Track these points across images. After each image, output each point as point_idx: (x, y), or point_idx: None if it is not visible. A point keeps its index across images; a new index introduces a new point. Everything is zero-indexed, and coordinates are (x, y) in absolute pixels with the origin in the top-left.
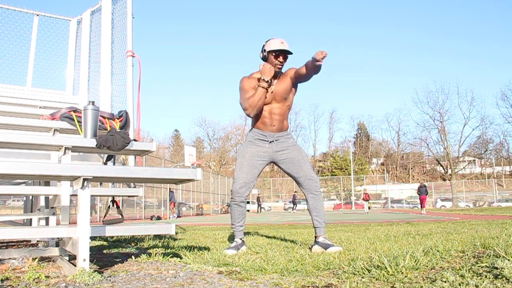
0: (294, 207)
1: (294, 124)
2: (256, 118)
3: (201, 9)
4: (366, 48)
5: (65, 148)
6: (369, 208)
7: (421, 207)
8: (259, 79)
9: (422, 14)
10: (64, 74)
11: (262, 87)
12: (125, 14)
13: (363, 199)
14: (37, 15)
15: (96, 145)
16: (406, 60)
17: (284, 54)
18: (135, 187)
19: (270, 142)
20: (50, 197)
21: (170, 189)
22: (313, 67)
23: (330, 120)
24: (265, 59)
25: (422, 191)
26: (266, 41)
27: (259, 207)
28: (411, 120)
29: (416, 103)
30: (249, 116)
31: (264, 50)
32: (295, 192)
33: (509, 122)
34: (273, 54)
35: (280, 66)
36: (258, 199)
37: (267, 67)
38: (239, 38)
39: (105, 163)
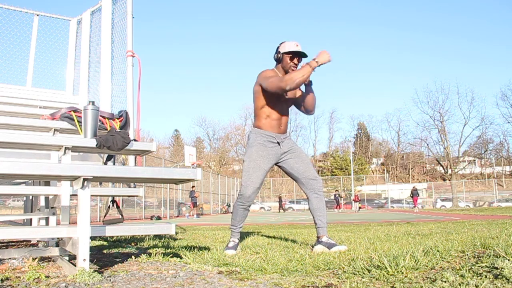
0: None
1: (294, 124)
2: (265, 118)
3: (201, 9)
4: (366, 48)
5: (65, 148)
6: (359, 208)
7: (414, 206)
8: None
9: (422, 14)
10: (64, 74)
11: (311, 66)
12: (125, 14)
13: (354, 200)
14: (37, 15)
15: (96, 145)
16: (406, 60)
17: (299, 56)
18: (135, 187)
19: (280, 143)
20: (50, 197)
21: (192, 187)
22: (309, 99)
23: (330, 120)
24: (279, 60)
25: (415, 193)
26: (281, 43)
27: (281, 207)
28: (411, 120)
29: (416, 103)
30: (283, 90)
31: (279, 51)
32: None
33: (509, 122)
34: (289, 56)
35: (294, 68)
36: (280, 198)
37: (326, 53)
38: (239, 38)
39: (105, 163)
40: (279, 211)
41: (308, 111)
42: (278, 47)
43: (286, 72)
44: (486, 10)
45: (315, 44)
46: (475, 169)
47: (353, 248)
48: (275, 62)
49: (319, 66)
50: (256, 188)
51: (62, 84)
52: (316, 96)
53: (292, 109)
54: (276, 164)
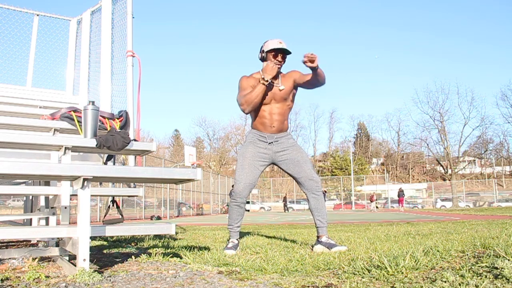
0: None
1: (294, 124)
2: (256, 118)
3: (201, 9)
4: (366, 48)
5: (65, 148)
6: (376, 207)
7: (401, 206)
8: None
9: (422, 14)
10: (64, 74)
11: (262, 83)
12: (125, 14)
13: (370, 199)
14: (37, 15)
15: (96, 145)
16: (406, 60)
17: (282, 53)
18: (135, 187)
19: (270, 143)
20: (50, 197)
21: (233, 186)
22: (316, 80)
23: (330, 120)
24: (263, 59)
25: (401, 195)
26: (264, 42)
27: (286, 207)
28: (411, 120)
29: (416, 103)
30: (244, 112)
31: (263, 51)
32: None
33: (509, 122)
34: (272, 53)
35: (279, 66)
36: (284, 198)
37: (270, 65)
38: (239, 38)
39: (105, 163)
40: (285, 211)
41: (320, 84)
42: (262, 46)
43: None
44: (486, 10)
45: (315, 44)
46: (475, 169)
47: (353, 248)
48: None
49: (268, 81)
50: (247, 184)
51: (62, 84)
52: (316, 97)
53: (292, 109)
54: (274, 164)
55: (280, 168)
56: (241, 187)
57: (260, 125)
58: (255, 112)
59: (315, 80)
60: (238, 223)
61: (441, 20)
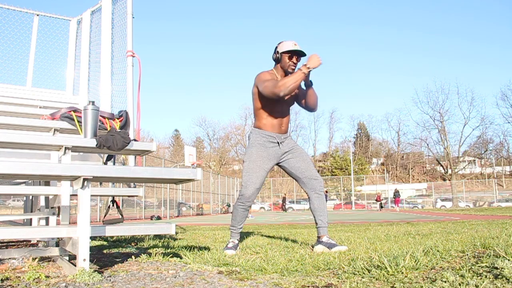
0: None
1: (294, 124)
2: (266, 118)
3: (201, 9)
4: (366, 48)
5: (65, 148)
6: (381, 207)
7: (397, 206)
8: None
9: (422, 14)
10: (64, 74)
11: (303, 72)
12: (125, 14)
13: (376, 199)
14: (37, 15)
15: (96, 145)
16: (406, 60)
17: (297, 55)
18: (135, 187)
19: (280, 143)
20: (50, 197)
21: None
22: (308, 98)
23: (330, 120)
24: (277, 60)
25: (396, 195)
26: (279, 43)
27: (284, 207)
28: (411, 120)
29: (416, 103)
30: (278, 96)
31: (277, 51)
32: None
33: (509, 122)
34: (287, 55)
35: (294, 67)
36: (284, 199)
37: (316, 57)
38: (239, 38)
39: (105, 163)
40: (285, 211)
41: (311, 109)
42: (276, 47)
43: (285, 71)
44: (486, 10)
45: (315, 44)
46: (475, 169)
47: (353, 248)
48: (274, 63)
49: (310, 71)
50: (256, 189)
51: (62, 84)
52: (317, 96)
53: (292, 109)
54: (277, 164)
55: (283, 168)
56: (251, 192)
57: (270, 126)
58: (266, 111)
59: (310, 98)
60: (241, 224)
61: (441, 20)
